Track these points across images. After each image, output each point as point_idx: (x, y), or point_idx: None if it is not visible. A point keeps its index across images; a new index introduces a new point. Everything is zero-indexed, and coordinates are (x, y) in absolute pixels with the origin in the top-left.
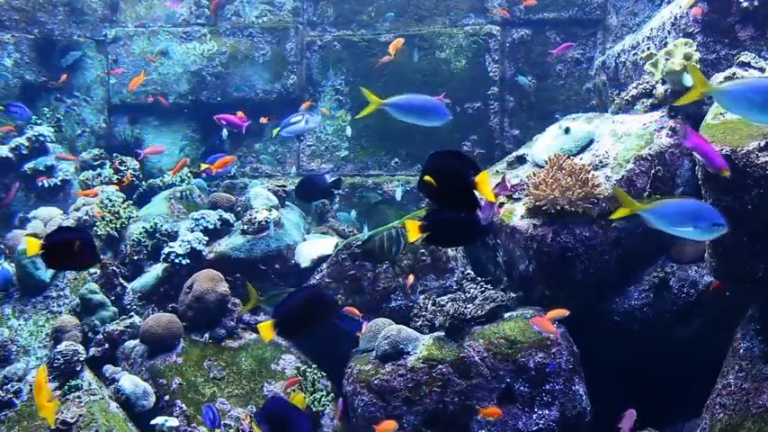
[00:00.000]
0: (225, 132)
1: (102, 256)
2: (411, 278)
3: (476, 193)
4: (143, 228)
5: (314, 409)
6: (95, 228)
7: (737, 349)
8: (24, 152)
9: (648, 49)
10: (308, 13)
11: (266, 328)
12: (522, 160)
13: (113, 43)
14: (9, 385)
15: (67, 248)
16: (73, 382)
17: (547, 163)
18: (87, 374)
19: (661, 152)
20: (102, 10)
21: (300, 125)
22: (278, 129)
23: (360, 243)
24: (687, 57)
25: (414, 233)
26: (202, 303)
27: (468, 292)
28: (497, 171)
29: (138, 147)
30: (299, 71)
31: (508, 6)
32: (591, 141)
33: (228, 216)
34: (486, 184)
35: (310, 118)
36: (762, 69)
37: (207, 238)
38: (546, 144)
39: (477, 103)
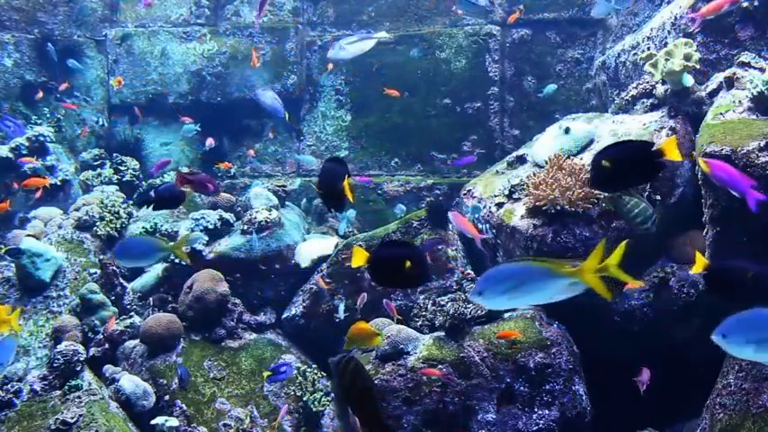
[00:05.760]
0: (210, 141)
1: (101, 256)
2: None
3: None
4: (143, 228)
5: (314, 410)
6: (95, 227)
7: None
8: (24, 152)
9: (648, 49)
10: (308, 12)
11: None
12: (522, 160)
13: (123, 43)
14: (9, 385)
15: (397, 265)
16: (73, 382)
17: (547, 163)
18: (87, 374)
19: None
20: (102, 10)
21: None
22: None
23: (616, 198)
24: (687, 57)
25: (672, 151)
26: (202, 303)
27: (468, 292)
28: (497, 171)
29: (138, 147)
30: (299, 71)
31: (508, 6)
32: (591, 141)
33: (228, 216)
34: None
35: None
36: (762, 69)
37: (207, 238)
38: (546, 144)
39: (478, 103)
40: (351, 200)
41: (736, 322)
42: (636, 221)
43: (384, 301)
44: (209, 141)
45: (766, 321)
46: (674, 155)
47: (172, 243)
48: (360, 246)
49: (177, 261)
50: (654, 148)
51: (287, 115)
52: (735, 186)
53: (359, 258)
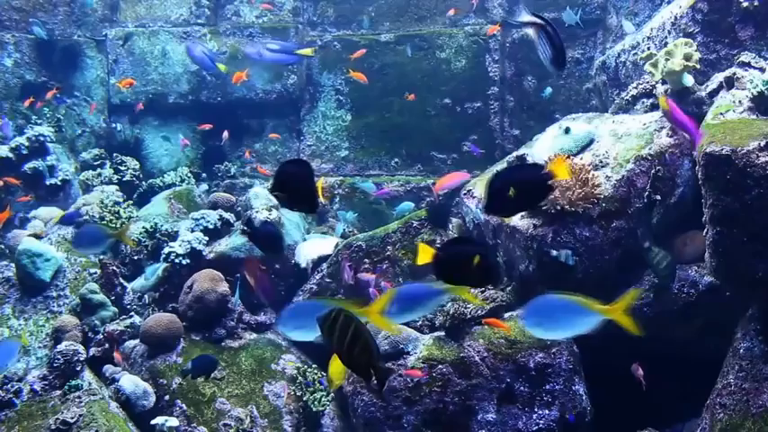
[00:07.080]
0: (226, 134)
1: (101, 256)
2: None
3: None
4: (143, 228)
5: (314, 410)
6: None
7: (737, 349)
8: (24, 152)
9: (648, 49)
10: (309, 12)
11: None
12: (522, 160)
13: (123, 43)
14: (9, 385)
15: (465, 263)
16: (73, 382)
17: (547, 163)
18: (87, 374)
19: (661, 152)
20: (103, 10)
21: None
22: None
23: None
24: (687, 57)
25: (561, 172)
26: (203, 303)
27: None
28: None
29: (138, 147)
30: (299, 71)
31: (508, 6)
32: (591, 141)
33: (229, 216)
34: (320, 188)
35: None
36: (762, 69)
37: (207, 238)
38: (546, 144)
39: (478, 103)
40: (323, 200)
41: (531, 308)
42: (662, 275)
43: (371, 290)
44: (225, 135)
45: (550, 306)
46: (562, 175)
47: (118, 230)
48: (423, 243)
49: (177, 261)
50: (544, 171)
51: (221, 68)
52: (684, 127)
53: (425, 255)
